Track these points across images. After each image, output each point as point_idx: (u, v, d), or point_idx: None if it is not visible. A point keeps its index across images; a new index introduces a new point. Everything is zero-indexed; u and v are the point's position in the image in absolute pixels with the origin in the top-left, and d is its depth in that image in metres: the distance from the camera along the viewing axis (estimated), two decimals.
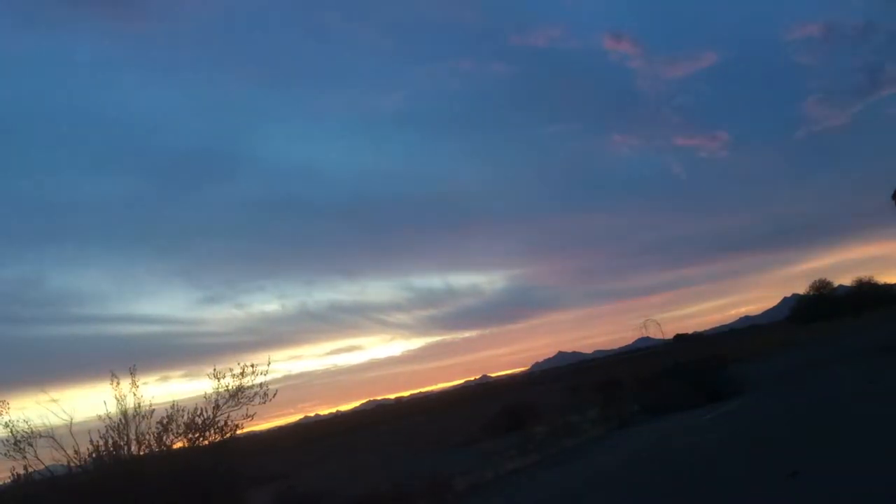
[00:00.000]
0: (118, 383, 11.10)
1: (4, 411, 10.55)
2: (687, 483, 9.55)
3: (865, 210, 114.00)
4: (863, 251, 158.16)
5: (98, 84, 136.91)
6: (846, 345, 27.72)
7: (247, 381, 11.86)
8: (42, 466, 10.50)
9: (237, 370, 11.87)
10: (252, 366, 11.96)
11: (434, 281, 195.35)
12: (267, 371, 12.08)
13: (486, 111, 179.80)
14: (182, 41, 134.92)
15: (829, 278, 61.47)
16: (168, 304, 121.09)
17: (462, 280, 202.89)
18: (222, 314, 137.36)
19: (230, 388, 11.73)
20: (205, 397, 11.73)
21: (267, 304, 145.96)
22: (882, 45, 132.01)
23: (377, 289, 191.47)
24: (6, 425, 10.43)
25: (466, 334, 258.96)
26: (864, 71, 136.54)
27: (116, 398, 11.03)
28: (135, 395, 11.13)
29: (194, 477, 10.82)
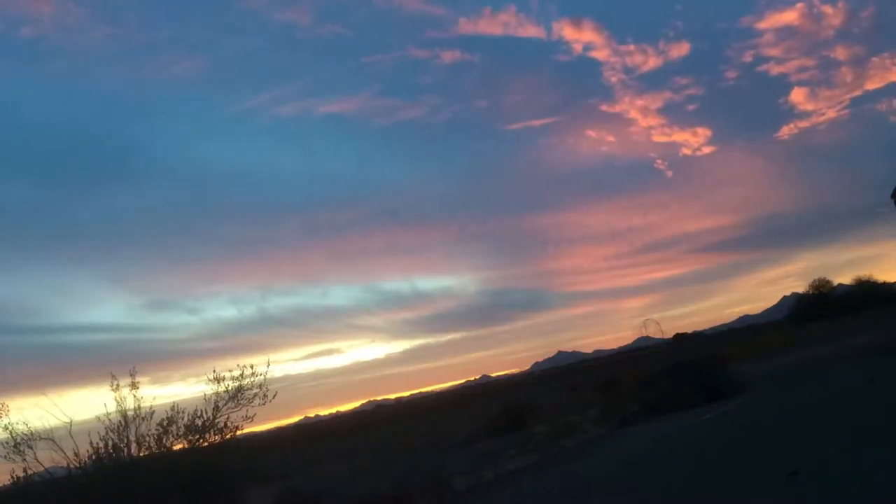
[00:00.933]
0: (118, 386, 11.11)
1: (4, 414, 10.56)
2: (687, 483, 9.55)
3: (865, 208, 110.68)
4: (862, 250, 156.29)
5: None
6: (846, 344, 27.72)
7: (246, 383, 11.88)
8: (42, 468, 10.51)
9: (236, 371, 11.90)
10: (251, 367, 11.98)
11: (401, 285, 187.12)
12: (266, 373, 12.11)
13: (442, 104, 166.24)
14: (98, 30, 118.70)
15: (829, 277, 61.53)
16: (109, 311, 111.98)
17: (430, 283, 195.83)
18: (176, 320, 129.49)
19: (230, 389, 11.75)
20: (204, 399, 11.75)
21: (222, 309, 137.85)
22: (866, 34, 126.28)
23: (341, 293, 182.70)
24: (5, 427, 10.44)
25: (450, 336, 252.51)
26: (849, 63, 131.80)
27: (116, 400, 11.04)
28: (135, 397, 11.14)
29: (194, 478, 10.83)
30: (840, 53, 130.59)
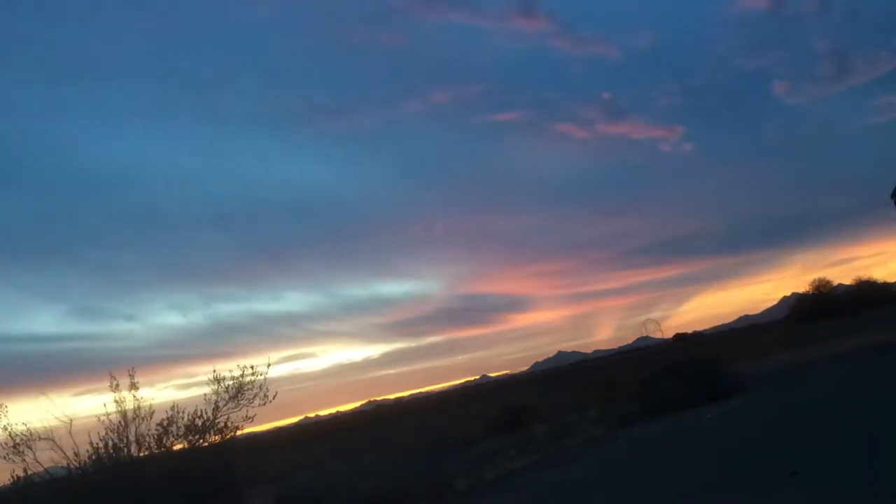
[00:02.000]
0: (117, 385, 11.12)
1: (3, 414, 10.56)
2: (687, 482, 9.55)
3: (864, 208, 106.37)
4: (863, 250, 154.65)
5: None
6: (845, 344, 27.72)
7: (247, 382, 11.89)
8: (41, 469, 10.52)
9: (236, 371, 11.91)
10: (252, 367, 11.99)
11: (358, 290, 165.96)
12: (266, 373, 12.12)
13: (392, 96, 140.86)
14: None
15: (829, 277, 61.57)
16: (38, 321, 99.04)
17: (395, 288, 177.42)
18: (118, 327, 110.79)
19: (230, 388, 11.75)
20: (204, 399, 11.76)
21: (164, 316, 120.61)
22: (843, 23, 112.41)
23: (297, 298, 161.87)
24: (5, 428, 10.44)
25: (430, 339, 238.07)
26: (829, 56, 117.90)
27: (116, 401, 11.05)
28: (135, 397, 11.15)
29: (194, 479, 10.83)
30: (817, 44, 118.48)
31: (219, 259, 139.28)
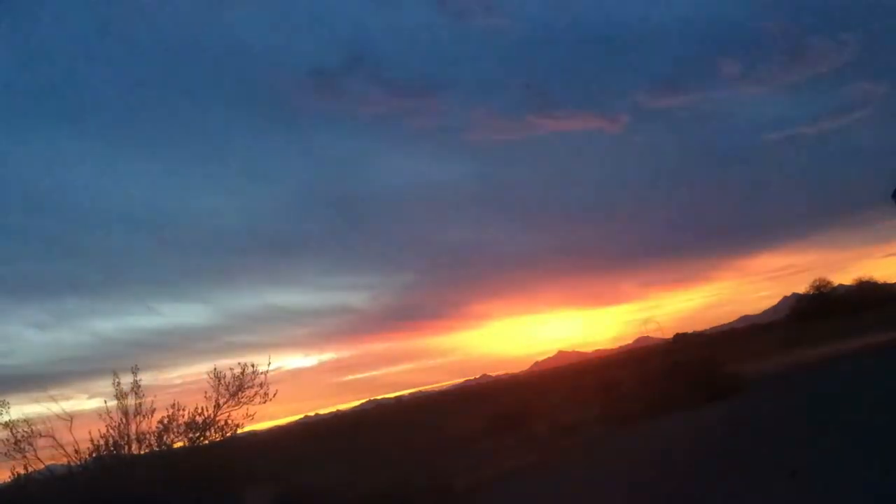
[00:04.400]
0: (118, 383, 11.13)
1: (4, 411, 10.58)
2: (686, 482, 9.56)
3: (865, 208, 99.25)
4: (863, 250, 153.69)
5: None
6: (845, 344, 27.70)
7: (247, 380, 11.90)
8: (42, 466, 10.53)
9: (237, 370, 11.93)
10: (252, 365, 12.01)
11: (250, 300, 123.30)
12: (267, 372, 12.14)
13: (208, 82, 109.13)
14: None
15: (829, 277, 61.45)
16: None
17: (296, 298, 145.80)
18: None
19: (230, 386, 11.77)
20: (205, 396, 11.77)
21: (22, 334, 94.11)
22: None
23: (188, 313, 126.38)
24: (6, 425, 10.46)
25: (378, 346, 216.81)
26: (788, 39, 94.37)
27: (117, 398, 11.06)
28: (135, 394, 11.16)
29: (194, 476, 10.84)
30: (771, 25, 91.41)
31: (58, 272, 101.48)
